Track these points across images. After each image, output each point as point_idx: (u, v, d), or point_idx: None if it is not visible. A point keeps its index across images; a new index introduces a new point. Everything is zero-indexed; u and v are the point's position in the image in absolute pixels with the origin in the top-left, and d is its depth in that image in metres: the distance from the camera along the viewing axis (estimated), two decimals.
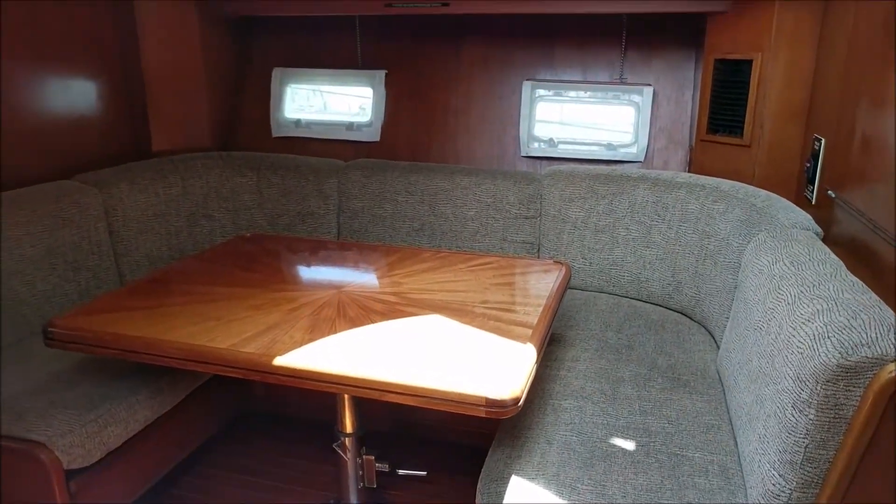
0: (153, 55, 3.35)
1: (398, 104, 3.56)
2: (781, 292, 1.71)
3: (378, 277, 2.35)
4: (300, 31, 3.69)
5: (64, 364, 2.28)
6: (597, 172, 2.95)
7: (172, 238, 3.15)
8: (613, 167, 3.07)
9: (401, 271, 2.37)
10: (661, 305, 2.79)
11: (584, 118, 3.36)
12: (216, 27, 3.62)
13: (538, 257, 3.00)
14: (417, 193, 3.11)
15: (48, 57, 2.94)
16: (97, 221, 2.84)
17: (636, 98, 3.26)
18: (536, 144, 3.39)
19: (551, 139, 3.38)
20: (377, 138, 3.56)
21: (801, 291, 1.62)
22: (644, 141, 3.25)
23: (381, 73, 3.52)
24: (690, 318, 2.66)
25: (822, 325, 1.41)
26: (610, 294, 2.91)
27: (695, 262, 2.63)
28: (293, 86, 3.72)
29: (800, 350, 1.43)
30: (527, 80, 3.37)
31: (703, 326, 2.59)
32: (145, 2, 3.26)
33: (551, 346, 2.40)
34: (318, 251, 2.65)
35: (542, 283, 2.25)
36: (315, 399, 2.27)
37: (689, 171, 3.14)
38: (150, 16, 3.31)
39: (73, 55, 3.06)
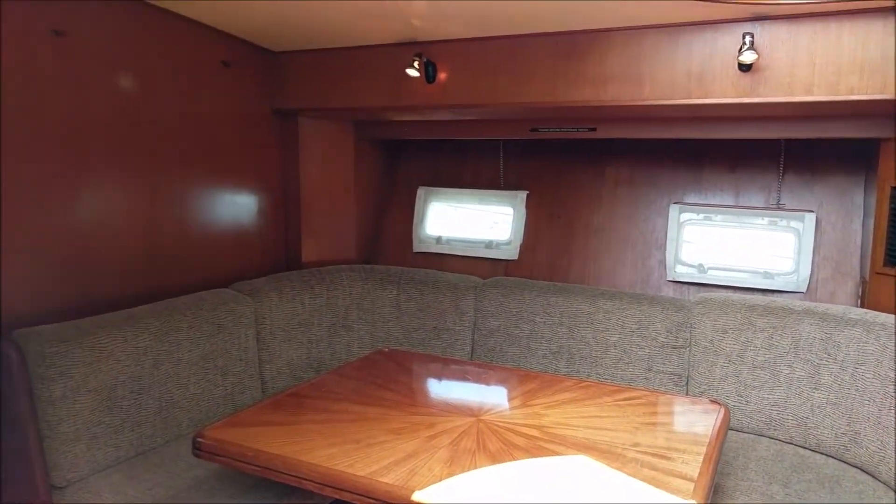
0: (311, 172, 3.60)
1: (538, 223, 3.55)
2: None
3: (517, 406, 2.25)
4: (445, 152, 3.85)
5: (206, 471, 2.32)
6: (753, 302, 2.74)
7: (313, 347, 3.23)
8: (772, 297, 2.84)
9: (541, 400, 2.25)
10: (834, 458, 2.45)
11: (736, 244, 3.17)
12: (368, 148, 3.85)
13: (687, 391, 2.78)
14: (556, 315, 3.02)
15: (224, 173, 3.22)
16: (248, 329, 2.97)
17: (796, 224, 3.05)
18: (684, 269, 3.23)
19: (700, 264, 3.20)
20: (516, 256, 3.55)
21: None
22: (806, 270, 3.00)
23: (523, 194, 3.55)
24: (874, 478, 2.31)
25: None
26: (771, 439, 2.61)
27: (877, 412, 2.31)
28: (436, 203, 3.83)
29: None
30: (674, 202, 3.27)
31: (893, 490, 2.23)
32: (309, 120, 3.54)
33: None
34: (455, 371, 2.60)
35: (699, 426, 2.05)
36: None
37: (862, 307, 2.84)
38: (313, 135, 3.58)
39: (244, 172, 3.34)
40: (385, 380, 2.47)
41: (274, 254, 3.54)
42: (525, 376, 2.55)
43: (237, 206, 3.32)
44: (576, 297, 3.02)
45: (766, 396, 2.61)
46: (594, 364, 2.93)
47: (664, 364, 2.82)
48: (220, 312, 2.84)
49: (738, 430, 2.68)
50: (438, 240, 3.77)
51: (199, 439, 1.95)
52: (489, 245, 3.65)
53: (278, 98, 3.44)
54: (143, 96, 2.80)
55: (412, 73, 2.96)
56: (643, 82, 2.65)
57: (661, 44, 2.60)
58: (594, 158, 3.48)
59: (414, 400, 2.26)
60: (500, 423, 2.05)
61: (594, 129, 3.13)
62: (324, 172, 3.68)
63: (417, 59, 2.95)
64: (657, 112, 2.81)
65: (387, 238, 3.93)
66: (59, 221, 2.51)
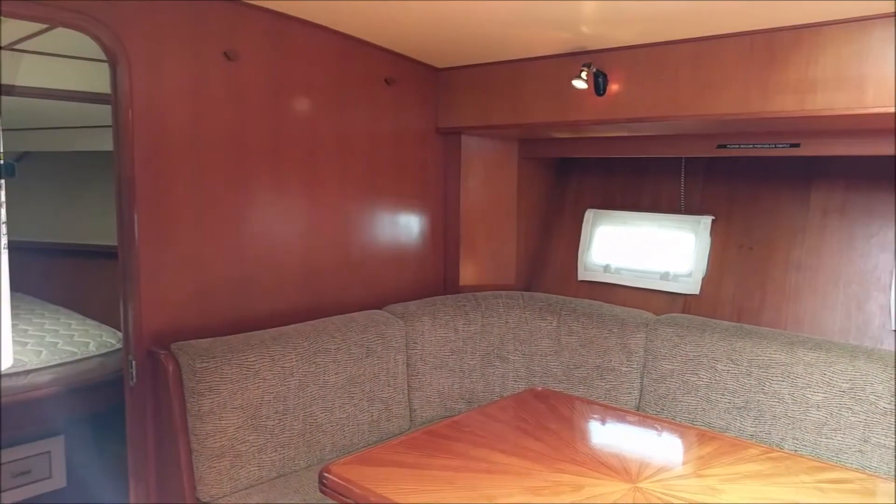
0: (473, 192, 3.46)
1: (724, 254, 3.09)
2: None
3: (687, 474, 1.88)
4: (618, 171, 3.52)
5: None
6: None
7: (465, 377, 3.06)
8: None
9: (719, 471, 1.86)
10: None
11: None
12: (533, 167, 3.64)
13: None
14: (743, 363, 2.56)
15: (383, 192, 3.18)
16: (397, 353, 2.87)
17: None
18: None
19: None
20: (696, 291, 3.11)
21: None
22: None
23: (707, 220, 3.11)
24: None
25: None
26: None
27: None
28: (605, 228, 3.51)
29: None
30: None
31: None
32: (472, 138, 3.40)
33: None
34: (616, 423, 2.28)
35: None
36: None
37: None
38: (475, 154, 3.44)
39: (404, 191, 3.28)
40: (534, 425, 2.20)
41: (431, 276, 3.43)
42: (701, 436, 2.15)
43: (396, 226, 3.26)
44: (769, 343, 2.54)
45: None
46: (790, 426, 2.43)
47: (886, 436, 2.25)
48: (369, 335, 2.76)
49: None
50: (606, 268, 3.44)
51: (326, 474, 1.83)
52: (665, 276, 3.23)
53: (441, 116, 3.34)
54: (306, 115, 2.83)
55: (580, 84, 2.70)
56: (865, 87, 2.16)
57: (891, 38, 2.10)
58: (796, 180, 2.95)
59: (562, 453, 1.97)
60: (662, 496, 1.70)
61: (797, 146, 2.64)
62: (486, 193, 3.52)
63: (586, 69, 2.68)
64: (883, 123, 2.28)
65: (549, 264, 3.67)
66: (221, 237, 2.58)
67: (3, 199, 0.90)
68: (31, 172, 5.09)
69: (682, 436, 2.21)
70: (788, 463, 1.92)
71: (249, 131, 2.63)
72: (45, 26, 2.76)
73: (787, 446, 2.40)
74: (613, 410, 2.49)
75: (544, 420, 2.26)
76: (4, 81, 3.27)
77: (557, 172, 3.74)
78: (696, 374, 2.67)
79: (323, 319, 2.72)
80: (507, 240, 3.58)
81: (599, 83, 2.68)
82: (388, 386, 2.82)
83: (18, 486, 3.05)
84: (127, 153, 2.30)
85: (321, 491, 1.84)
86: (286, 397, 2.45)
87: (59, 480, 3.18)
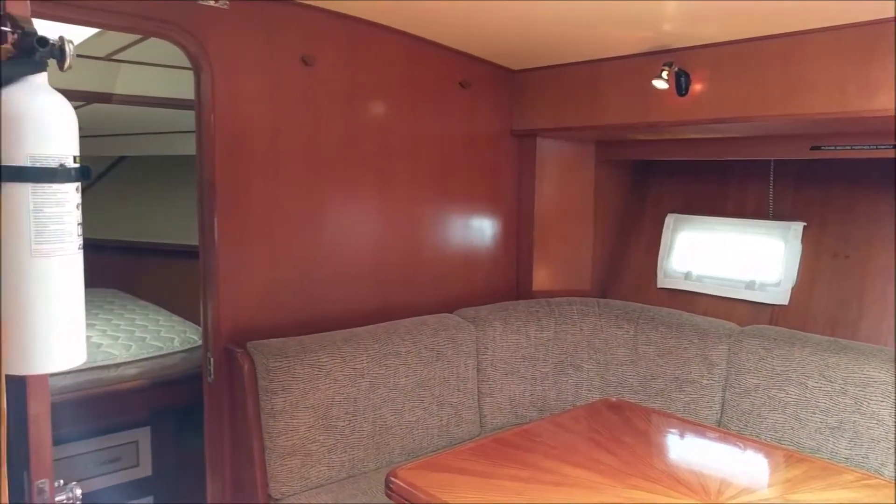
0: (547, 196, 3.39)
1: (817, 263, 2.89)
2: None
3: (772, 497, 1.76)
4: (701, 174, 3.36)
5: None
6: None
7: (537, 384, 3.00)
8: None
9: (807, 496, 1.74)
10: None
11: None
12: (611, 170, 3.54)
13: None
14: (837, 381, 2.39)
15: (456, 195, 3.16)
16: (468, 358, 2.84)
17: None
18: None
19: None
20: (786, 302, 2.93)
21: None
22: None
23: (798, 226, 2.93)
24: None
25: None
26: None
27: None
28: (687, 233, 3.36)
29: None
30: None
31: None
32: (547, 141, 3.34)
33: None
34: (694, 438, 2.17)
35: None
36: None
37: None
38: (551, 156, 3.38)
39: (477, 194, 3.25)
40: (607, 437, 2.13)
41: (503, 281, 3.39)
42: (789, 457, 2.02)
43: (467, 229, 3.24)
44: (868, 359, 2.36)
45: None
46: (890, 451, 2.24)
47: None
48: (440, 339, 2.75)
49: None
50: (688, 275, 3.29)
51: (392, 479, 1.82)
52: (751, 285, 3.06)
53: (516, 118, 3.29)
54: (379, 119, 2.85)
55: (660, 84, 2.59)
56: None
57: None
58: None
59: (635, 469, 1.89)
60: None
61: None
62: (561, 196, 3.44)
63: (667, 68, 2.57)
64: None
65: (626, 270, 3.55)
66: (294, 238, 2.62)
67: (80, 200, 0.92)
68: (127, 176, 5.39)
69: (767, 455, 2.08)
70: (888, 491, 1.76)
71: (323, 135, 2.67)
72: (138, 38, 2.90)
73: (886, 473, 2.22)
74: (692, 425, 2.37)
75: (618, 432, 2.17)
76: (103, 90, 3.46)
77: (635, 175, 3.62)
78: (784, 389, 2.51)
79: (394, 322, 2.72)
80: (583, 244, 3.49)
81: (681, 83, 2.56)
82: (458, 391, 2.79)
83: (109, 473, 3.21)
84: (208, 156, 2.38)
85: (387, 495, 1.84)
86: (356, 398, 2.47)
87: (145, 469, 3.33)
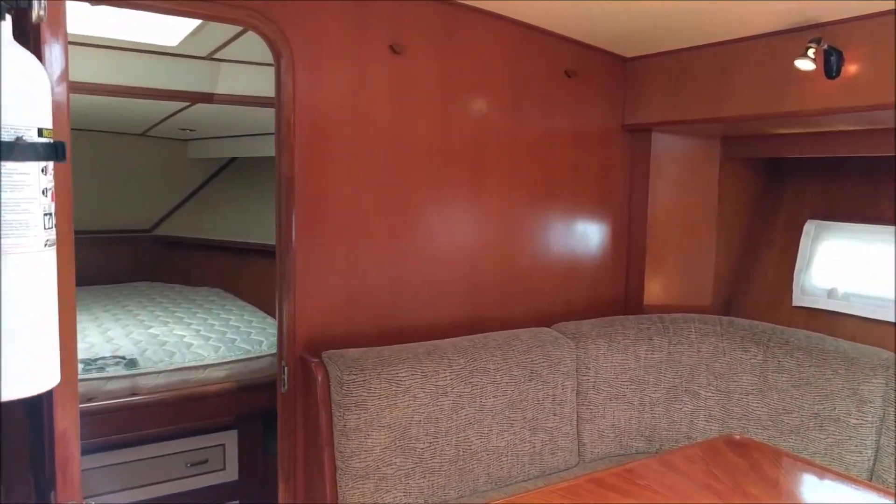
0: (663, 198, 3.03)
1: None
2: None
3: None
4: (850, 174, 2.89)
5: None
6: None
7: (645, 412, 2.64)
8: None
9: None
10: None
11: None
12: (739, 169, 3.12)
13: None
14: None
15: (558, 197, 2.88)
16: (566, 378, 2.54)
17: None
18: None
19: None
20: None
21: None
22: None
23: None
24: None
25: None
26: None
27: None
28: (831, 243, 2.89)
29: None
30: None
31: None
32: (664, 136, 2.98)
33: None
34: (839, 490, 1.76)
35: None
36: None
37: None
38: (668, 153, 3.01)
39: (582, 196, 2.95)
40: (728, 486, 1.77)
41: (609, 293, 3.05)
42: None
43: (570, 235, 2.93)
44: None
45: None
46: None
47: None
48: (534, 356, 2.47)
49: None
50: (831, 293, 2.82)
51: None
52: None
53: (629, 111, 2.96)
54: (475, 112, 2.62)
55: (804, 65, 2.19)
56: None
57: None
58: None
59: None
60: None
61: None
62: (679, 199, 3.07)
63: (814, 45, 2.16)
64: None
65: (755, 284, 3.11)
66: (377, 241, 2.44)
67: (51, 185, 0.73)
68: (238, 177, 5.48)
69: None
70: None
71: (413, 130, 2.47)
72: (235, 35, 2.84)
73: None
74: (836, 475, 1.95)
75: (742, 479, 1.80)
76: (204, 90, 3.46)
77: (768, 175, 3.19)
78: None
79: (482, 335, 2.47)
80: (704, 254, 3.09)
81: (832, 63, 2.14)
82: (554, 415, 2.50)
83: (196, 475, 3.17)
84: (287, 153, 2.24)
85: None
86: (438, 419, 2.24)
87: (231, 473, 3.27)
